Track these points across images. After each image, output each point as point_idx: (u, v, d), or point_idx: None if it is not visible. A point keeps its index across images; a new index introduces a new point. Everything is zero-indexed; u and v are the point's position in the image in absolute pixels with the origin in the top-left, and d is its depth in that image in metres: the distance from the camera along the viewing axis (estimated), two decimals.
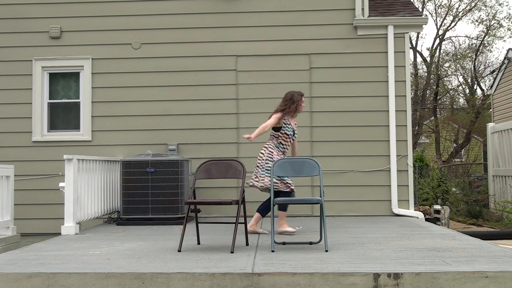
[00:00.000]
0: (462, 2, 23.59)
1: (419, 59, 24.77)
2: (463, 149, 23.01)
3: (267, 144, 6.14)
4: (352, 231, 6.38)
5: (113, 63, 8.45)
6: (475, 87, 25.78)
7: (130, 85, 8.44)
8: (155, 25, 8.46)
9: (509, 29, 24.18)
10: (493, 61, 32.58)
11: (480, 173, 17.98)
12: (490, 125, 12.70)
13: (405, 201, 8.15)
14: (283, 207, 6.05)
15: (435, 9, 24.79)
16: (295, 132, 6.24)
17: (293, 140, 6.22)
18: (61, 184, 6.44)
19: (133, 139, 8.30)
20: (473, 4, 23.19)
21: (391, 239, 5.61)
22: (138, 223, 7.18)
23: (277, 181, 5.85)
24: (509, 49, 17.65)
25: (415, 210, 8.47)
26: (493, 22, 22.96)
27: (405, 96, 8.27)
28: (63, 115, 8.64)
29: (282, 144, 6.12)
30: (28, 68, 8.46)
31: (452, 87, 25.71)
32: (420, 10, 21.07)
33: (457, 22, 27.71)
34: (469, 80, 25.77)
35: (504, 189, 11.30)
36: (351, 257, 4.50)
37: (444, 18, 24.10)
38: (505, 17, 34.59)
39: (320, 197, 5.00)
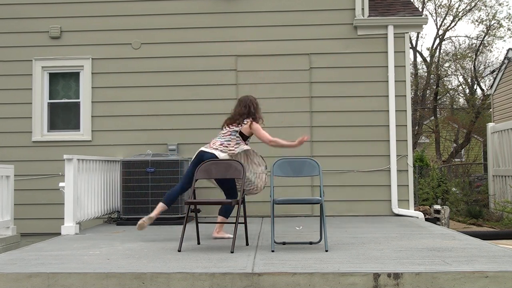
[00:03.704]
0: (462, 2, 23.61)
1: (419, 59, 24.80)
2: (463, 149, 23.02)
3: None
4: (352, 231, 6.38)
5: (113, 63, 8.46)
6: (475, 87, 25.82)
7: (130, 85, 8.44)
8: (155, 25, 8.46)
9: (509, 29, 24.23)
10: (493, 61, 32.58)
11: (480, 173, 17.98)
12: (490, 125, 12.71)
13: (405, 201, 8.15)
14: (224, 213, 5.83)
15: (435, 9, 24.82)
16: None
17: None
18: (61, 184, 6.43)
19: (133, 139, 8.30)
20: (473, 4, 23.21)
21: (391, 239, 5.62)
22: None
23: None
24: (509, 49, 17.65)
25: (415, 210, 8.47)
26: (493, 22, 22.99)
27: (405, 96, 8.27)
28: (63, 115, 8.64)
29: None
30: (28, 68, 8.46)
31: (452, 87, 25.74)
32: (420, 10, 21.08)
33: (457, 22, 27.76)
34: (469, 80, 25.80)
35: (504, 189, 11.30)
36: (351, 257, 4.50)
37: (444, 18, 24.13)
38: (505, 17, 34.64)
39: (320, 197, 5.00)
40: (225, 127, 5.97)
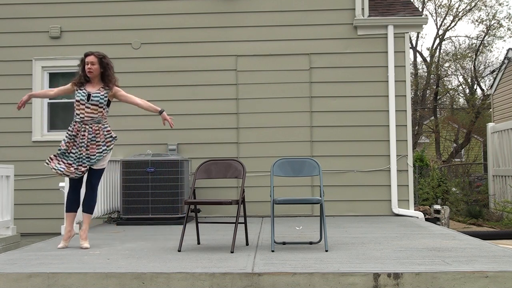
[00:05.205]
0: (462, 2, 23.65)
1: (419, 59, 24.82)
2: (463, 149, 23.03)
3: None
4: (352, 231, 6.38)
5: (113, 63, 8.43)
6: (475, 87, 25.83)
7: (130, 85, 8.37)
8: (155, 25, 8.46)
9: (509, 29, 24.26)
10: (493, 61, 32.60)
11: (480, 173, 17.97)
12: (490, 125, 12.71)
13: (405, 201, 8.15)
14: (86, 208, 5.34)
15: (435, 9, 24.85)
16: (92, 96, 5.52)
17: (91, 105, 5.50)
18: (61, 184, 6.44)
19: (133, 139, 8.29)
20: (473, 4, 23.23)
21: (391, 239, 5.61)
22: (138, 223, 7.18)
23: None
24: (509, 49, 17.64)
25: (415, 210, 8.47)
26: (493, 22, 23.01)
27: (405, 96, 8.27)
28: (63, 115, 8.63)
29: (76, 114, 5.54)
30: (28, 68, 8.46)
31: (452, 87, 25.76)
32: (420, 10, 21.08)
33: (457, 22, 27.80)
34: (469, 80, 25.80)
35: (504, 189, 11.30)
36: (351, 257, 4.50)
37: (444, 18, 24.15)
38: (505, 17, 34.65)
39: (320, 197, 5.00)
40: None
